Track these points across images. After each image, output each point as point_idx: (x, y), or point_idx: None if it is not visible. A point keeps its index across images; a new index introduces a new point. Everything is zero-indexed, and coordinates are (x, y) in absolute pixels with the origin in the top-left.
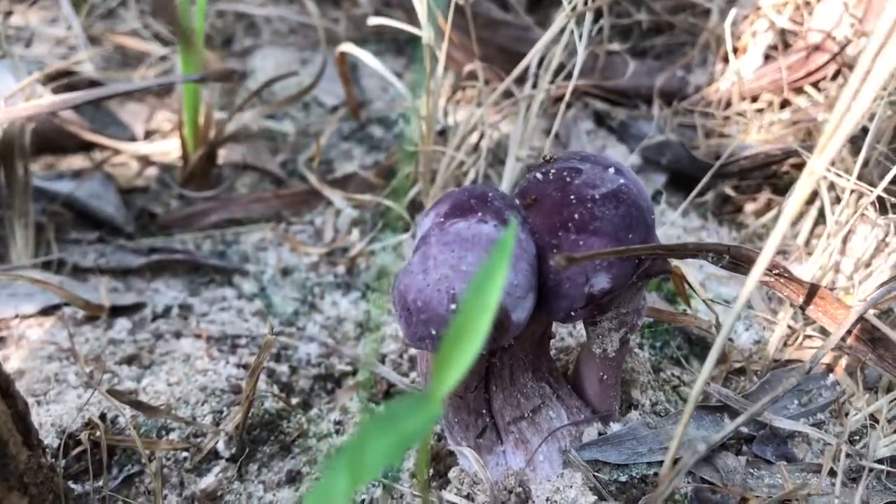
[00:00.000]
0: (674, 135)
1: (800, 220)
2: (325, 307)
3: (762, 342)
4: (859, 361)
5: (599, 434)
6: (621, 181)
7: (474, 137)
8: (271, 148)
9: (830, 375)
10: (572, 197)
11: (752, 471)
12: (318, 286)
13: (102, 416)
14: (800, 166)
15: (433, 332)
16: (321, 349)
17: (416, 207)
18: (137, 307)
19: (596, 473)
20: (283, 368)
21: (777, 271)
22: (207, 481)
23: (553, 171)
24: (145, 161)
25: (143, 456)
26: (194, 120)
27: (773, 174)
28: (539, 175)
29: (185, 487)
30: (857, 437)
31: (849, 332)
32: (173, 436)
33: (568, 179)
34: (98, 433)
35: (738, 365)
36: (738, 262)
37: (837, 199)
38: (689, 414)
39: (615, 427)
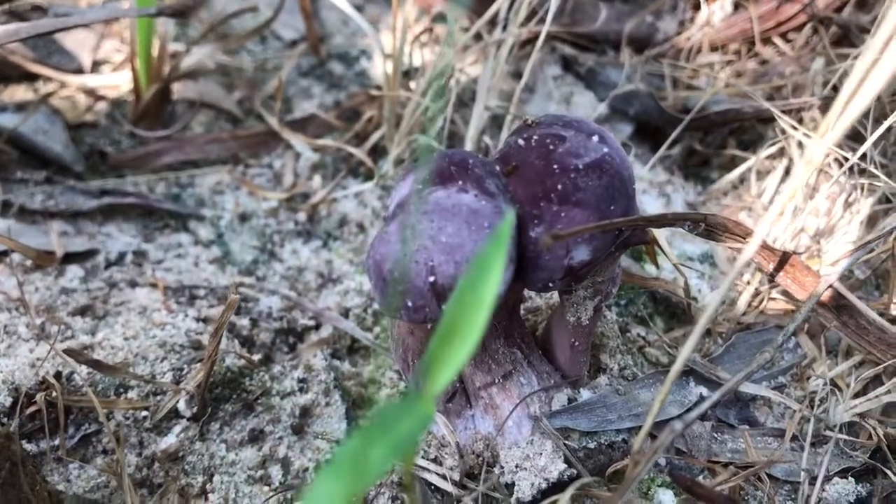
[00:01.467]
0: (642, 84)
1: (766, 176)
2: (285, 256)
3: (727, 302)
4: (822, 325)
5: (569, 400)
6: (605, 150)
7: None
8: (226, 84)
9: (792, 338)
10: (555, 166)
11: (716, 435)
12: (278, 234)
13: (58, 375)
14: (766, 120)
15: (409, 304)
16: (283, 302)
17: (379, 153)
18: (90, 254)
19: (565, 441)
20: (243, 322)
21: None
22: (168, 441)
23: (535, 137)
24: (94, 95)
25: (101, 416)
26: (147, 53)
27: (738, 127)
28: (521, 141)
29: (145, 447)
30: (819, 402)
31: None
32: (132, 394)
33: (551, 147)
34: (54, 393)
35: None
36: (714, 230)
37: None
38: (666, 391)
39: (585, 393)
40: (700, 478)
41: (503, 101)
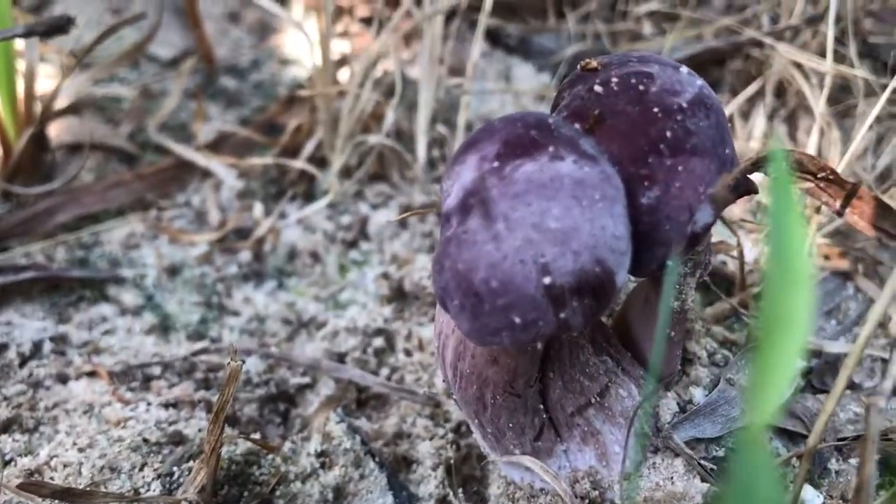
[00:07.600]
0: (579, 46)
1: (748, 119)
2: (237, 306)
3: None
4: (875, 263)
5: (679, 406)
6: (698, 83)
7: (377, 72)
8: (106, 120)
9: (849, 284)
10: (655, 109)
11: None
12: (221, 281)
13: None
14: (723, 61)
15: (516, 321)
16: (263, 362)
17: (320, 164)
18: None
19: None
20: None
21: (824, 174)
22: None
23: (615, 79)
24: None
25: None
26: (11, 92)
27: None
28: (597, 87)
29: None
30: None
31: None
32: None
33: (641, 88)
34: None
35: (756, 290)
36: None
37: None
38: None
39: (696, 393)
40: (833, 460)
41: (438, 87)
